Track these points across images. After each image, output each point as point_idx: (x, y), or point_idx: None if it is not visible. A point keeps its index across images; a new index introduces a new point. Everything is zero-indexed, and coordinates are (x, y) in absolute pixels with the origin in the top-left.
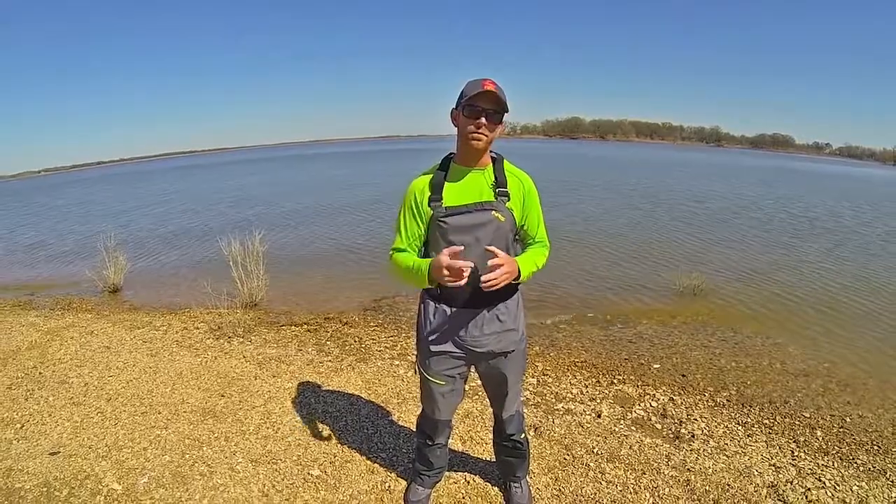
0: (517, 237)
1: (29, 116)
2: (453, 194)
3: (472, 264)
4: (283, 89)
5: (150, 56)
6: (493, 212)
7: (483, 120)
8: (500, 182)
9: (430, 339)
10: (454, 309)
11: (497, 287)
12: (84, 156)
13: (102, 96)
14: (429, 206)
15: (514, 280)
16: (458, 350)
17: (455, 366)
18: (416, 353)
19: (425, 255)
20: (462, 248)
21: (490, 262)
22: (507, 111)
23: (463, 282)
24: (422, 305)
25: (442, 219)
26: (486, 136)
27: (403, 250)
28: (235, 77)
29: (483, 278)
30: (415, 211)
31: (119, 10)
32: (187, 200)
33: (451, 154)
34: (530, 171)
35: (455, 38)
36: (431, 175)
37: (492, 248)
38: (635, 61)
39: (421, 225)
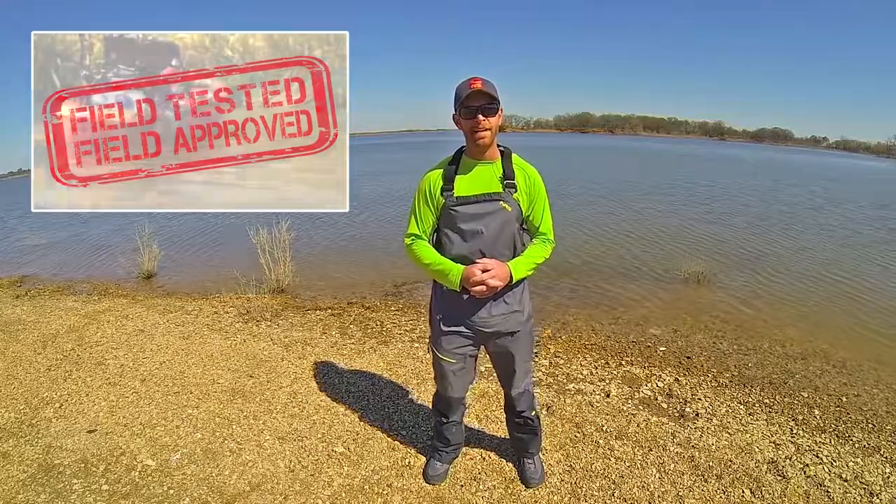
0: (524, 227)
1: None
2: (464, 185)
3: (501, 284)
4: None
5: None
6: (501, 202)
7: (480, 116)
8: (507, 174)
9: (441, 319)
10: (463, 292)
11: (485, 295)
12: None
13: None
14: (441, 195)
15: (506, 283)
16: (467, 330)
17: (464, 344)
18: (429, 333)
19: (437, 240)
20: (493, 267)
21: (473, 279)
22: (498, 101)
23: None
24: (434, 289)
25: (453, 207)
26: (488, 128)
27: (419, 236)
28: None
29: (472, 290)
30: (428, 199)
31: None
32: None
33: (463, 147)
34: (544, 165)
35: (472, 37)
36: (444, 167)
37: (482, 260)
38: (641, 59)
39: (433, 213)
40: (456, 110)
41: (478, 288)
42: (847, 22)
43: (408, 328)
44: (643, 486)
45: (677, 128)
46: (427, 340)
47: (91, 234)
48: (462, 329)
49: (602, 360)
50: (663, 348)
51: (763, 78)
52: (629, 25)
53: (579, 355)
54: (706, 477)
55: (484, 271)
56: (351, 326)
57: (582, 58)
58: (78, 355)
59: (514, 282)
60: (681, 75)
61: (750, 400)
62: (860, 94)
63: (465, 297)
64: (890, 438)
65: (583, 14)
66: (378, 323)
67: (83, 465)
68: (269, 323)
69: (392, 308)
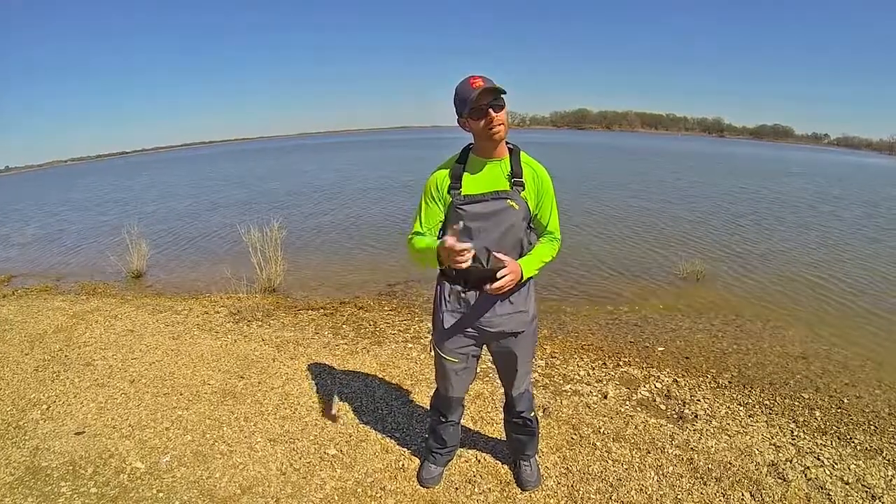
0: (531, 225)
1: (48, 111)
2: (471, 183)
3: (470, 245)
4: (312, 88)
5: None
6: (508, 200)
7: (493, 113)
8: (515, 172)
9: (444, 318)
10: (468, 291)
11: (503, 292)
12: (104, 147)
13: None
14: (448, 193)
15: (518, 281)
16: (471, 329)
17: (468, 344)
18: (431, 331)
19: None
20: (461, 225)
21: (499, 273)
22: (504, 93)
23: (465, 264)
24: (438, 287)
25: (460, 206)
26: (503, 123)
27: (420, 233)
28: (245, 74)
29: (487, 288)
30: (435, 198)
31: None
32: (221, 187)
33: (469, 145)
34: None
35: (468, 37)
36: (451, 166)
37: (499, 255)
38: (641, 57)
39: (441, 211)
40: (462, 114)
41: (498, 283)
42: (847, 21)
43: (401, 328)
44: (641, 489)
45: (676, 124)
46: (427, 339)
47: (79, 232)
48: (466, 328)
49: (599, 361)
50: (661, 348)
51: (764, 78)
52: (629, 23)
53: (576, 356)
54: (705, 480)
55: (495, 272)
56: (344, 326)
57: (581, 56)
58: (66, 356)
59: (522, 280)
60: (680, 72)
61: (750, 401)
62: (861, 93)
63: (468, 291)
64: (892, 441)
65: (582, 12)
66: (371, 323)
67: (71, 467)
68: (260, 323)
69: (385, 308)
